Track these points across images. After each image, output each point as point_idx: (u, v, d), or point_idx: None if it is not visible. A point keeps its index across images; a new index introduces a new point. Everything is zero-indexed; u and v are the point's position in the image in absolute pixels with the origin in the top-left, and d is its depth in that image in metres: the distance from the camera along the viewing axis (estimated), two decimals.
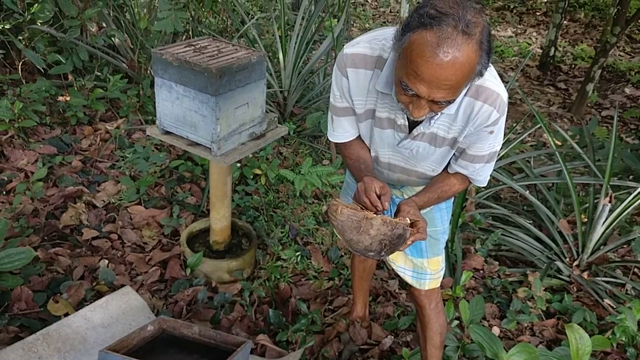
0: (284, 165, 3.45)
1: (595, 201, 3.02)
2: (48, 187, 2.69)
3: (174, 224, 2.64)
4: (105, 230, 2.52)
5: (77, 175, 2.83)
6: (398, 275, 1.83)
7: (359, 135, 1.56)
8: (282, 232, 2.81)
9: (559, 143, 4.24)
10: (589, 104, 6.05)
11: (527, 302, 2.60)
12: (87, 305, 1.93)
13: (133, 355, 1.55)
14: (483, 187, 3.34)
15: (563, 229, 2.89)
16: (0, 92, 3.30)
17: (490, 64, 1.25)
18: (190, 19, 3.98)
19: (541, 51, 7.14)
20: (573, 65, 7.29)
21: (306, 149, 3.70)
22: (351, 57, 1.38)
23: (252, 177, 3.11)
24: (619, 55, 7.89)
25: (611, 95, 6.67)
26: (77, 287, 2.07)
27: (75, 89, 3.40)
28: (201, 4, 3.78)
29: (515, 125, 3.77)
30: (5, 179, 2.67)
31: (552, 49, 6.79)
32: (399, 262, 1.77)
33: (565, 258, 2.92)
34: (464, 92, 1.31)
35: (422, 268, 1.72)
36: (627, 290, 2.83)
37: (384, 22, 8.11)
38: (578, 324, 2.47)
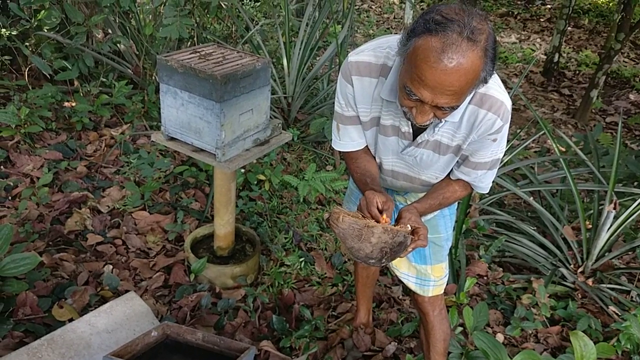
0: (287, 171, 3.46)
1: (600, 208, 3.01)
2: (53, 193, 2.70)
3: (178, 230, 2.65)
4: (109, 235, 2.53)
5: (82, 180, 2.85)
6: (401, 282, 1.83)
7: (366, 144, 1.57)
8: (285, 238, 2.81)
9: (563, 149, 4.24)
10: (593, 110, 6.04)
11: (532, 308, 2.60)
12: (92, 310, 1.93)
13: None
14: (487, 194, 3.34)
15: (567, 236, 2.89)
16: (7, 98, 3.33)
17: (494, 72, 1.26)
18: (195, 25, 4.01)
19: (545, 57, 7.14)
20: (577, 72, 7.29)
21: (310, 155, 3.71)
22: (356, 65, 1.39)
23: (256, 182, 3.12)
24: (624, 61, 7.88)
25: (616, 101, 6.66)
26: (82, 292, 2.07)
27: (81, 94, 3.42)
28: (206, 11, 3.81)
29: (519, 132, 3.77)
30: (11, 184, 2.69)
31: (556, 55, 6.80)
32: (402, 268, 1.77)
33: (570, 265, 2.91)
34: (468, 99, 1.32)
35: (426, 275, 1.72)
36: (632, 297, 2.82)
37: (388, 29, 8.14)
38: (583, 331, 2.47)
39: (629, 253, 3.01)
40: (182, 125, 2.07)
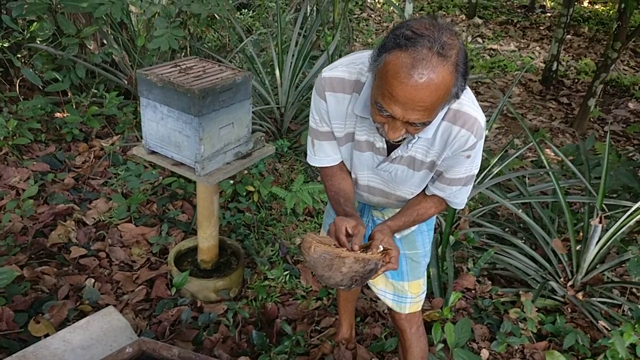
0: (279, 182, 3.45)
1: (590, 220, 2.98)
2: (39, 205, 2.70)
3: (162, 242, 2.64)
4: (93, 248, 2.53)
5: (69, 192, 2.85)
6: (379, 298, 1.81)
7: (342, 160, 1.56)
8: (272, 251, 2.80)
9: (557, 159, 4.21)
10: (591, 119, 6.01)
11: (519, 323, 2.56)
12: (70, 325, 1.92)
13: None
14: (478, 206, 3.32)
15: (557, 249, 2.86)
16: None
17: (467, 87, 1.25)
18: (189, 36, 4.02)
19: (544, 65, 7.11)
20: (576, 80, 7.26)
21: (301, 166, 3.70)
22: (329, 80, 1.38)
23: (245, 194, 3.11)
24: (623, 69, 7.84)
25: (615, 110, 6.62)
26: (60, 307, 2.06)
27: (73, 105, 3.44)
28: (198, 22, 3.82)
29: (513, 139, 3.74)
30: None
31: (555, 64, 6.77)
32: (379, 285, 1.75)
33: (560, 278, 2.88)
34: (441, 115, 1.31)
35: (403, 291, 1.70)
36: (623, 311, 2.78)
37: None
38: (570, 347, 2.44)
39: (622, 266, 2.97)
40: (162, 139, 2.07)
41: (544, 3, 11.13)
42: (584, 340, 2.43)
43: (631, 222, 2.64)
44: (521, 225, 3.34)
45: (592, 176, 3.22)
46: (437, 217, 2.96)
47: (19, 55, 3.49)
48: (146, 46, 3.68)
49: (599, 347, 2.46)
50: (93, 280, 2.31)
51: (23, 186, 2.77)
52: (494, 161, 3.11)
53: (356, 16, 8.99)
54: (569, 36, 8.84)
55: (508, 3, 11.23)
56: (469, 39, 8.59)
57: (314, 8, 5.35)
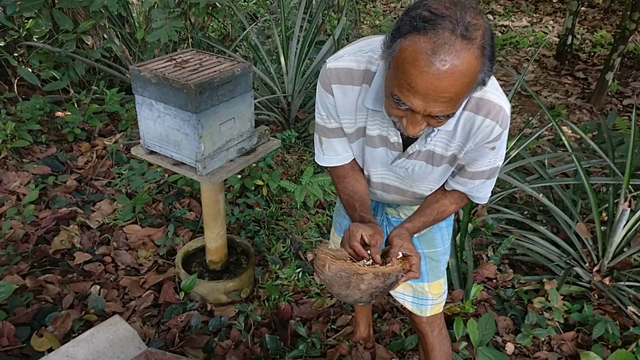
0: (287, 174, 3.34)
1: (616, 201, 2.83)
2: (40, 210, 2.62)
3: (169, 244, 2.55)
4: (98, 253, 2.44)
5: (72, 195, 2.76)
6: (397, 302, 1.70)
7: (353, 158, 1.43)
8: (283, 247, 2.70)
9: (574, 136, 4.03)
10: (609, 93, 5.79)
11: (544, 313, 2.44)
12: (75, 337, 1.84)
13: None
14: (498, 189, 3.18)
15: (581, 233, 2.72)
16: None
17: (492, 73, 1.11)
18: (190, 26, 3.90)
19: (558, 40, 6.87)
20: (592, 54, 7.01)
21: (310, 156, 3.58)
22: (335, 72, 1.25)
23: (253, 188, 3.01)
24: None
25: (633, 82, 6.39)
26: (64, 318, 1.99)
27: (74, 104, 3.34)
28: (198, 11, 3.69)
29: (529, 119, 3.58)
30: None
31: (570, 37, 6.53)
32: (397, 287, 1.63)
33: (585, 263, 2.75)
34: (463, 104, 1.18)
35: (423, 293, 1.59)
36: None
37: (395, 18, 7.93)
38: (600, 337, 2.31)
39: None
40: (160, 138, 1.96)
41: None
42: (614, 329, 2.30)
43: None
44: (541, 208, 3.20)
45: (615, 155, 3.06)
46: None
47: (15, 54, 3.40)
48: (146, 39, 3.57)
49: (630, 335, 2.33)
50: (98, 287, 2.23)
51: (24, 191, 2.69)
52: (512, 144, 2.96)
53: None
54: (583, 8, 8.54)
55: None
56: None
57: None
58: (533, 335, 2.28)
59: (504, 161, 2.91)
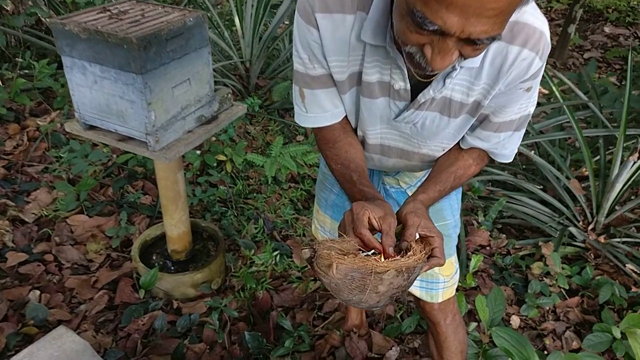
0: (252, 147, 3.01)
1: (608, 155, 2.67)
2: None
3: (123, 234, 2.20)
4: (36, 251, 2.07)
5: (0, 185, 2.35)
6: None
7: (345, 116, 1.13)
8: (255, 228, 2.40)
9: (542, 92, 3.86)
10: (570, 47, 5.70)
11: (544, 278, 2.26)
12: (11, 356, 1.50)
13: None
14: None
15: (575, 190, 2.54)
16: None
17: None
18: None
19: None
20: (549, 8, 6.89)
21: (276, 126, 3.26)
22: None
23: (216, 164, 2.67)
24: None
25: (591, 35, 6.34)
26: None
27: None
28: None
29: None
30: None
31: None
32: None
33: (579, 222, 2.58)
34: None
35: (433, 275, 1.33)
36: None
37: None
38: (606, 302, 2.15)
39: None
40: (100, 108, 1.60)
41: None
42: (621, 291, 2.14)
43: None
44: (524, 167, 3.01)
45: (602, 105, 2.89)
46: None
47: None
48: (77, 1, 3.11)
49: (636, 296, 2.18)
50: (38, 292, 1.87)
51: None
52: None
53: None
54: None
55: None
56: None
57: None
58: (538, 305, 2.09)
59: None
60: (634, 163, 2.22)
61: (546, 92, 3.77)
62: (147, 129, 1.54)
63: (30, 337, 1.70)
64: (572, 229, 2.52)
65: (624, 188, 2.42)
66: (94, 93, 1.57)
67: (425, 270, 0.91)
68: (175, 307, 1.94)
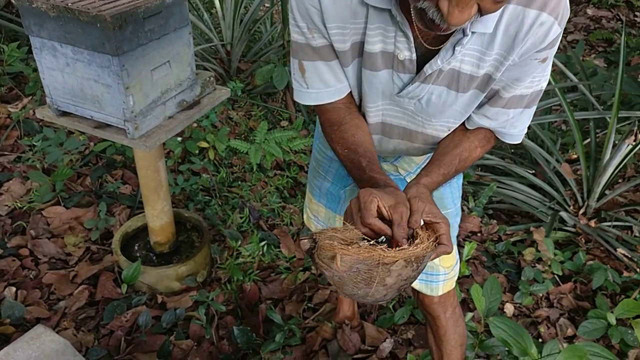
0: (235, 133, 2.91)
1: (598, 138, 2.64)
2: None
3: (103, 225, 2.10)
4: (11, 245, 1.96)
5: None
6: None
7: (349, 92, 1.05)
8: (241, 217, 2.31)
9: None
10: None
11: (536, 264, 2.23)
12: None
13: None
14: None
15: (566, 174, 2.51)
16: None
17: None
18: None
19: None
20: None
21: (260, 111, 3.16)
22: None
23: (197, 151, 2.57)
24: None
25: (574, 18, 6.34)
26: None
27: None
28: None
29: None
30: None
31: None
32: None
33: (569, 206, 2.55)
34: None
35: (433, 267, 1.26)
36: (634, 234, 2.50)
37: None
38: (599, 288, 2.12)
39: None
40: (73, 93, 1.50)
41: None
42: (615, 276, 2.12)
43: None
44: (512, 150, 2.97)
45: (592, 87, 2.85)
46: None
47: None
48: None
49: (629, 281, 2.16)
50: (14, 288, 1.77)
51: None
52: None
53: None
54: None
55: None
56: None
57: None
58: (531, 292, 2.06)
59: None
60: (628, 146, 2.18)
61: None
62: (125, 115, 1.44)
63: (6, 337, 1.61)
64: (563, 214, 2.49)
65: (615, 172, 2.39)
66: (67, 77, 1.47)
67: (432, 259, 0.85)
68: (159, 302, 1.85)
